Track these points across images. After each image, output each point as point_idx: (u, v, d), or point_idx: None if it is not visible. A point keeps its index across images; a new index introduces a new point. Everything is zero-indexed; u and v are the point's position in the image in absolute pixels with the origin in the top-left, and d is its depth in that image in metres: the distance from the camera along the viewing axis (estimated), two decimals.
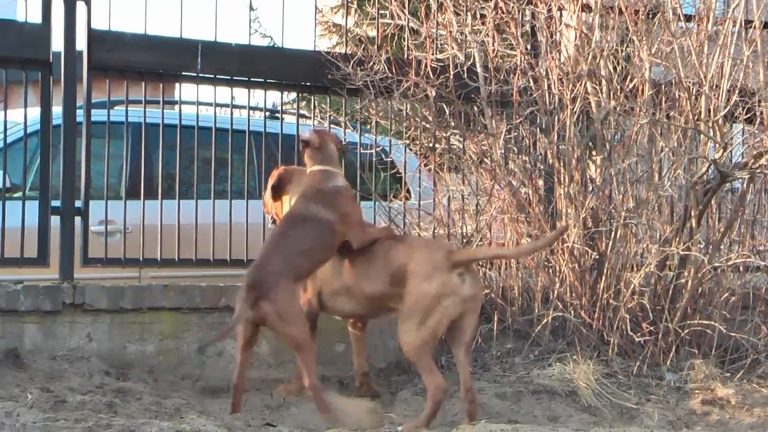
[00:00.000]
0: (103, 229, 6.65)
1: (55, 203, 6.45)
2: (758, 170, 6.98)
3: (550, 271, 6.92)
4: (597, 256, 6.90)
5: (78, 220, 6.50)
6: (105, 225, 6.65)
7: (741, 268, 7.22)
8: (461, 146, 7.49)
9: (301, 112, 7.95)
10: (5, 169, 6.76)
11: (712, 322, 6.71)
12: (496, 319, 6.76)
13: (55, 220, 6.44)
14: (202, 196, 6.96)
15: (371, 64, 7.08)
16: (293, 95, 9.23)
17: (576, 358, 6.40)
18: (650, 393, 6.37)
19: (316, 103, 8.36)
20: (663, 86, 7.13)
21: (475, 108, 7.33)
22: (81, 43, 6.49)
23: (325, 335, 6.28)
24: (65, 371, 5.90)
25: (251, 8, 7.41)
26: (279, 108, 7.85)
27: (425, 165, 7.68)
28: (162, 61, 6.82)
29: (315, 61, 7.05)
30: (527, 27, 7.53)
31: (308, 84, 7.36)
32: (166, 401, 5.61)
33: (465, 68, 7.26)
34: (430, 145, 7.52)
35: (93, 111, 6.55)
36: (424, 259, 5.62)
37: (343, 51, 7.56)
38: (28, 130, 6.55)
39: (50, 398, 5.41)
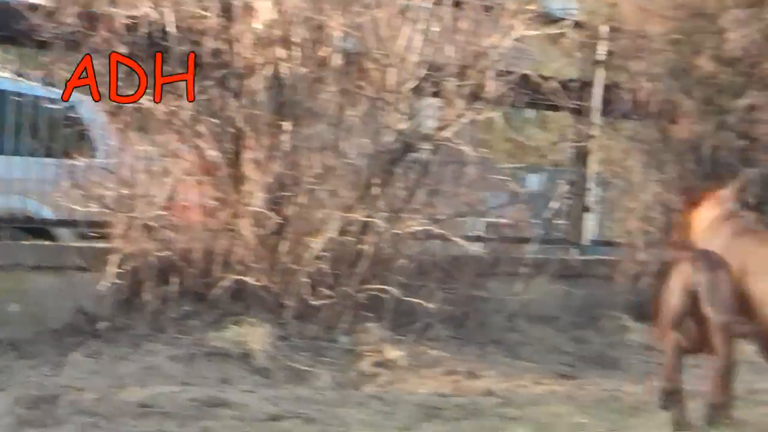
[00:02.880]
0: None
1: None
2: (442, 141, 7.22)
3: (233, 234, 6.95)
4: (281, 221, 6.99)
5: None
6: None
7: (420, 236, 7.47)
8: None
9: None
10: None
11: (388, 287, 6.92)
12: (177, 281, 6.75)
13: None
14: None
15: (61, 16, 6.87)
16: None
17: (253, 321, 6.48)
18: (323, 355, 6.54)
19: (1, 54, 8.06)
20: (354, 57, 7.27)
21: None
22: None
23: None
24: None
25: None
26: None
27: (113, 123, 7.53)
28: None
29: None
30: None
31: None
32: None
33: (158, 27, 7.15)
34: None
35: None
36: None
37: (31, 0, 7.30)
38: None
39: None
